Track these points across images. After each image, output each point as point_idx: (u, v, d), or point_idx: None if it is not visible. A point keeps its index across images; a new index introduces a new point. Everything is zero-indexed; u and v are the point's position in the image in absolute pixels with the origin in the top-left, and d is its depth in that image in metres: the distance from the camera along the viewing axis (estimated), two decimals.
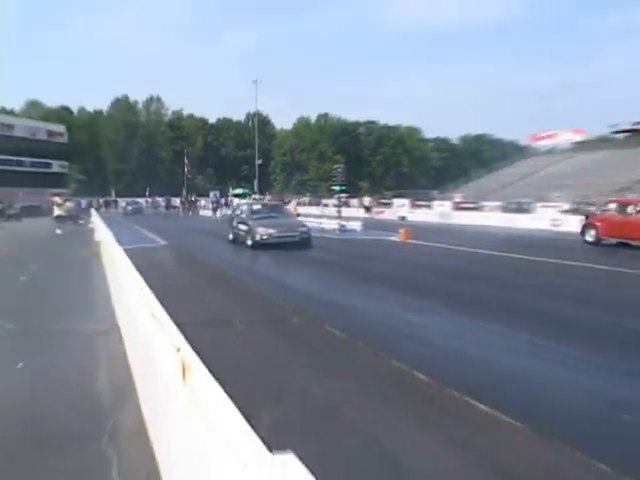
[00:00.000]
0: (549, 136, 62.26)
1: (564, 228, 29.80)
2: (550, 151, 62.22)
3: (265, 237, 18.76)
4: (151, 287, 4.74)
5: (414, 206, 48.56)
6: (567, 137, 60.90)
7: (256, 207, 22.24)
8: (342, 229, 27.98)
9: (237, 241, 20.78)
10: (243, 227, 20.28)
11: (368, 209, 49.22)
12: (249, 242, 19.26)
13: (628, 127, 54.56)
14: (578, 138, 60.02)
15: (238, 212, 22.28)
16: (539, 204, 38.18)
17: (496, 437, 4.36)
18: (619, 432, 4.54)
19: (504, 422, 4.51)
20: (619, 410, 4.92)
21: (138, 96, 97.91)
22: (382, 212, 48.59)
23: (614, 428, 4.62)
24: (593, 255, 17.97)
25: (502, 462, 3.95)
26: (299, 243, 18.99)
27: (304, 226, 20.40)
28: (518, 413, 4.63)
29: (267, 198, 54.77)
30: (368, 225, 29.69)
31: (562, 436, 4.26)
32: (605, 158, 51.54)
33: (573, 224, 30.06)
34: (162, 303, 3.99)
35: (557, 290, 11.38)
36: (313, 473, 1.65)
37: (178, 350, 2.96)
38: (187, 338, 2.95)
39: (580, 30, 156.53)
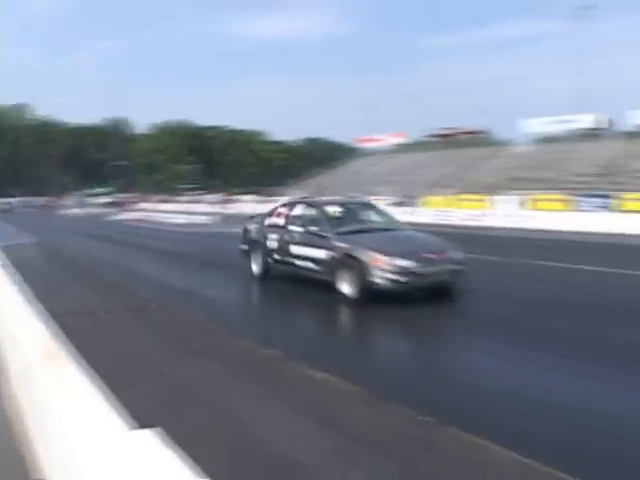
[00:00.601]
0: (374, 139, 65.20)
1: None
2: (375, 152, 65.06)
3: (397, 278, 7.98)
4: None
5: (261, 202, 48.90)
6: (390, 140, 64.22)
7: (333, 209, 10.06)
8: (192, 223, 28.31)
9: (272, 272, 10.56)
10: (314, 253, 9.22)
11: (219, 205, 49.25)
12: (348, 290, 8.41)
13: (438, 132, 59.11)
14: (399, 141, 63.69)
15: (280, 220, 10.42)
16: (369, 198, 39.98)
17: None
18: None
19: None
20: None
21: (5, 102, 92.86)
22: (232, 207, 48.49)
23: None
24: None
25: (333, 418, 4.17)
26: (447, 286, 8.62)
27: (452, 247, 8.92)
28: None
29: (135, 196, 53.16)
30: (223, 219, 30.01)
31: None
32: (421, 159, 55.20)
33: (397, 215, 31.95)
34: None
35: None
36: (176, 447, 1.71)
37: (44, 338, 2.91)
38: None
39: (404, 48, 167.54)
